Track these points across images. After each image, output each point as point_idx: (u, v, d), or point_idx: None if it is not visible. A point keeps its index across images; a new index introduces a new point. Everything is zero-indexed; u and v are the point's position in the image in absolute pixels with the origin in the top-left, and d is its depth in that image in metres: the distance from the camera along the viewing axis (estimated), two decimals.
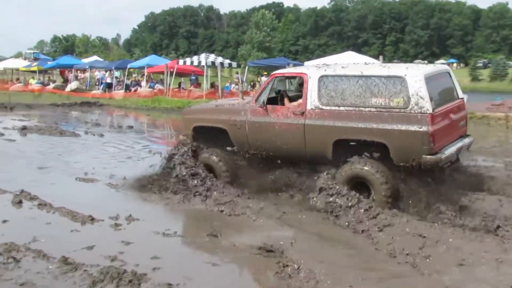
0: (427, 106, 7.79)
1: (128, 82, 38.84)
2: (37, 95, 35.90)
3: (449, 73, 9.27)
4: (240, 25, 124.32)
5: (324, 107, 8.69)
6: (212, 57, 34.49)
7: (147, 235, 7.30)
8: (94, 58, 58.12)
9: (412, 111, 7.86)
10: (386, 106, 8.12)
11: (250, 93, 30.39)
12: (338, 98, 8.58)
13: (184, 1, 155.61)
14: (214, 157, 9.68)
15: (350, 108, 8.41)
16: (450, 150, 8.32)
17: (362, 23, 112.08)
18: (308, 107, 8.85)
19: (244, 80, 32.68)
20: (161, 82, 35.25)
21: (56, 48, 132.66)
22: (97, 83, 42.72)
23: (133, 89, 36.22)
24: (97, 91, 38.05)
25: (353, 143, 8.42)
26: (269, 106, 9.39)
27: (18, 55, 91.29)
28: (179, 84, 34.89)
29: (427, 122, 7.76)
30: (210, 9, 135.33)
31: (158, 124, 24.02)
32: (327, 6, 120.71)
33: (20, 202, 8.97)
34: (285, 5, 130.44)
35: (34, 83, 43.11)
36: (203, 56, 34.21)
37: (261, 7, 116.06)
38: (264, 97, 9.49)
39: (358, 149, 8.34)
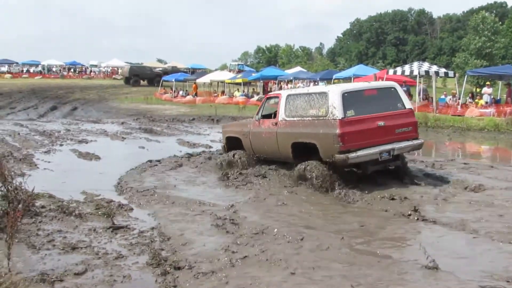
0: (337, 114, 11.01)
1: None
2: (242, 108, 37.92)
3: (394, 88, 12.04)
4: (455, 29, 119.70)
5: (287, 118, 12.43)
6: (425, 65, 33.57)
7: None
8: (298, 69, 60.08)
9: (329, 118, 11.16)
10: (317, 115, 11.56)
11: (469, 106, 29.01)
12: (294, 111, 12.26)
13: (392, 6, 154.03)
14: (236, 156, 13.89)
15: (299, 118, 12.04)
16: (367, 151, 11.04)
17: None
18: (279, 119, 12.68)
19: (462, 91, 31.20)
20: None
21: (259, 59, 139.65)
22: None
23: None
24: None
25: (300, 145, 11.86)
26: (261, 120, 13.43)
27: (223, 67, 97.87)
28: None
29: (337, 126, 10.92)
30: (422, 13, 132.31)
31: None
32: None
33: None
34: (509, 5, 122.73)
35: (238, 95, 45.72)
36: (415, 64, 33.45)
37: (480, 8, 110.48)
38: (260, 113, 13.62)
39: (310, 150, 11.52)
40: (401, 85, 32.04)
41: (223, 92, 49.81)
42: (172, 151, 17.52)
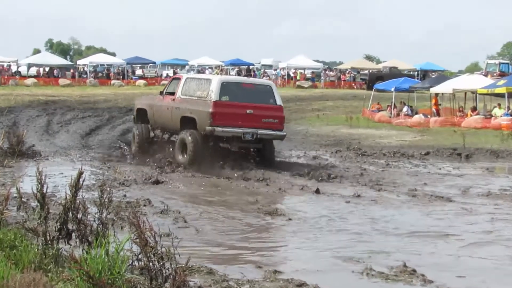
0: (213, 97, 23.43)
1: None
2: (507, 135, 36.65)
3: (270, 86, 25.31)
4: None
5: (182, 96, 25.04)
6: None
7: None
8: None
9: (207, 99, 23.66)
10: (200, 96, 24.27)
11: None
12: (187, 91, 25.03)
13: None
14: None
15: (190, 97, 24.79)
16: (232, 130, 23.25)
17: None
18: (177, 96, 25.21)
19: None
20: None
21: None
22: None
23: None
24: None
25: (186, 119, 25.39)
26: (166, 96, 26.30)
27: (473, 68, 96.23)
28: None
29: (211, 106, 23.27)
30: None
31: None
32: None
33: None
34: None
35: (500, 115, 44.48)
36: None
37: None
38: (165, 90, 27.06)
39: (192, 124, 24.37)
40: None
41: (474, 109, 48.74)
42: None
